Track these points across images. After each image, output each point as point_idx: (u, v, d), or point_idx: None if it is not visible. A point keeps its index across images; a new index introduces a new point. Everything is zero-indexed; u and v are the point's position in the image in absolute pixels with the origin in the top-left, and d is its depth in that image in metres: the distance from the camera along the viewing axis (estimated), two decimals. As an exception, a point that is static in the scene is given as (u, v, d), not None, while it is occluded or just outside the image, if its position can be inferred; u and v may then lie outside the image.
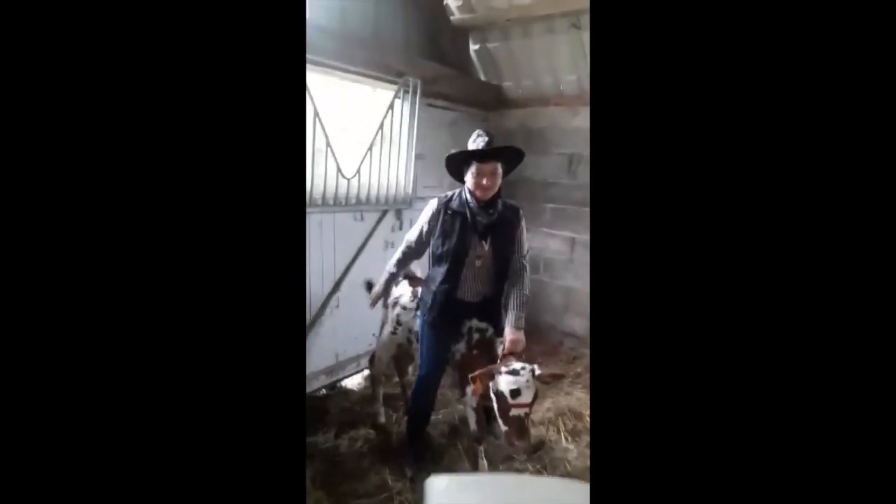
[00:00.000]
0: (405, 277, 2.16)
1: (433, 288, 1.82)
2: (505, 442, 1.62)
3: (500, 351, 1.75)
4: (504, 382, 1.56)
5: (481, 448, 1.96)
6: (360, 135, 2.67)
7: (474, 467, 1.97)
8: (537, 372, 1.60)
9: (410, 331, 2.07)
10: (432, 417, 2.16)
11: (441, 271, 1.78)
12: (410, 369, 2.49)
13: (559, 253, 3.50)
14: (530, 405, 1.57)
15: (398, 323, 2.12)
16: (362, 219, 2.78)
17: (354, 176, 2.61)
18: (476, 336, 1.83)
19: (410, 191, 2.98)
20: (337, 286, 2.68)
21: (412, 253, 1.93)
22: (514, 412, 1.54)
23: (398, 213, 2.99)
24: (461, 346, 1.85)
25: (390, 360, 2.33)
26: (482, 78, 3.55)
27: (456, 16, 3.24)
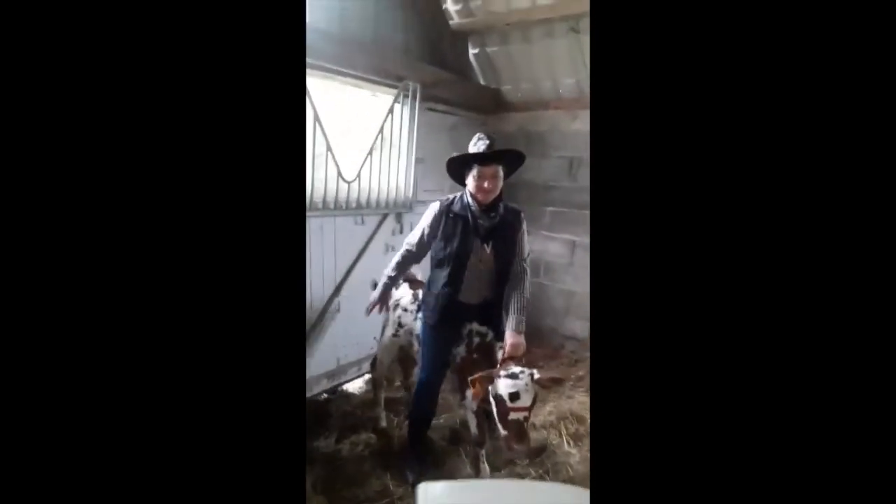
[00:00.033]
0: (406, 280, 2.16)
1: (435, 291, 1.82)
2: (504, 446, 1.61)
3: (500, 355, 1.74)
4: (503, 386, 1.56)
5: (482, 452, 1.95)
6: (360, 139, 2.68)
7: (476, 471, 1.96)
8: (536, 376, 1.60)
9: (412, 333, 2.06)
10: (434, 422, 2.15)
11: (443, 274, 1.78)
12: (414, 371, 2.48)
13: (559, 256, 3.50)
14: (529, 409, 1.57)
15: (400, 325, 2.12)
16: (363, 222, 2.79)
17: (355, 180, 2.62)
18: (476, 340, 1.83)
19: (411, 194, 2.99)
20: (338, 290, 2.68)
21: (412, 256, 1.93)
22: (512, 416, 1.54)
23: (398, 217, 2.99)
24: (461, 350, 1.85)
25: (392, 362, 2.33)
26: (482, 82, 3.56)
27: (455, 20, 3.25)
